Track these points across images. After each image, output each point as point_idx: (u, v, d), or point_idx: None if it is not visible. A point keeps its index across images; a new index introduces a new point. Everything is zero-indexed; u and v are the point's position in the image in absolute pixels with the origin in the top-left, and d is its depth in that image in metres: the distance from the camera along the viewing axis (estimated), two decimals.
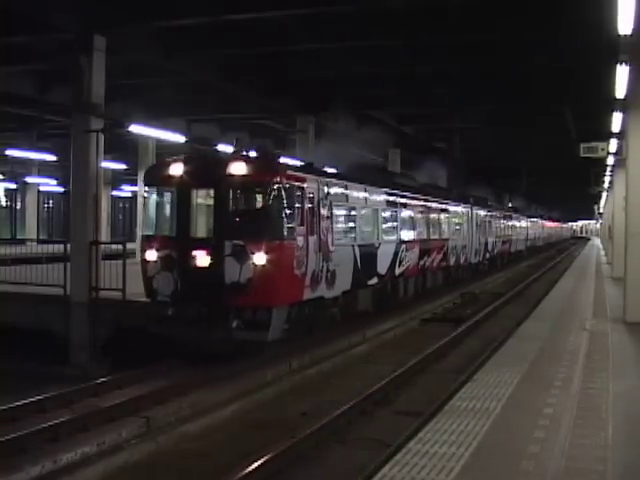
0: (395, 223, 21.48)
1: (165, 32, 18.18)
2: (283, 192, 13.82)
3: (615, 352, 13.07)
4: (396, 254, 21.01)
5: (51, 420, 10.14)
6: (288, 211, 13.96)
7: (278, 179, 13.82)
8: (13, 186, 47.15)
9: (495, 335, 18.23)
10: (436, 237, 26.22)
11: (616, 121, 20.58)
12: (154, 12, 16.28)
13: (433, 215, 26.15)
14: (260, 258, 13.28)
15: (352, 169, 20.81)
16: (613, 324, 16.53)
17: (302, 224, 14.44)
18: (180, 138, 22.32)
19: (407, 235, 22.52)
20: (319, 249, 15.22)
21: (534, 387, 10.27)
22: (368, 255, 18.51)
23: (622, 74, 14.96)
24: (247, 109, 27.40)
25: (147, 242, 14.56)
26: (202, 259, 13.68)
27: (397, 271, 21.23)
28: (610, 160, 29.46)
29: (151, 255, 14.21)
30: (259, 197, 14.30)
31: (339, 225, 17.05)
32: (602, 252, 56.60)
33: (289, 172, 14.57)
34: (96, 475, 8.72)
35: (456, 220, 30.39)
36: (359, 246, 17.94)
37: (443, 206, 27.91)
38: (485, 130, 34.19)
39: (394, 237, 21.22)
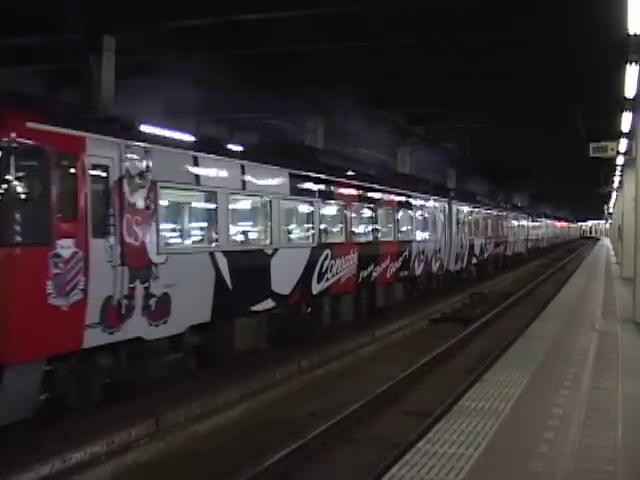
0: (310, 219, 15.77)
1: (174, 32, 18.22)
2: (23, 161, 8.45)
3: (625, 352, 13.04)
4: (312, 264, 15.44)
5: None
6: (34, 194, 8.58)
7: (11, 137, 8.37)
8: None
9: (504, 335, 18.18)
10: (390, 239, 20.51)
11: (626, 121, 20.55)
12: (163, 12, 16.33)
13: (385, 210, 20.21)
14: None
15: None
16: (623, 324, 16.49)
17: (72, 218, 9.08)
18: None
19: (334, 236, 16.97)
20: (121, 260, 9.84)
21: (543, 387, 10.25)
22: (250, 267, 13.02)
23: (632, 74, 14.94)
24: (256, 109, 27.43)
25: None
26: None
27: (316, 288, 15.66)
28: (620, 160, 29.43)
29: None
30: None
31: (177, 220, 11.97)
32: (612, 252, 56.40)
33: (40, 126, 8.86)
34: (105, 475, 8.75)
35: (425, 217, 24.31)
36: (228, 253, 12.22)
37: (402, 199, 21.82)
38: (494, 130, 34.14)
39: (308, 240, 15.72)
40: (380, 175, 22.46)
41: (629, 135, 21.90)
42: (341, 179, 17.55)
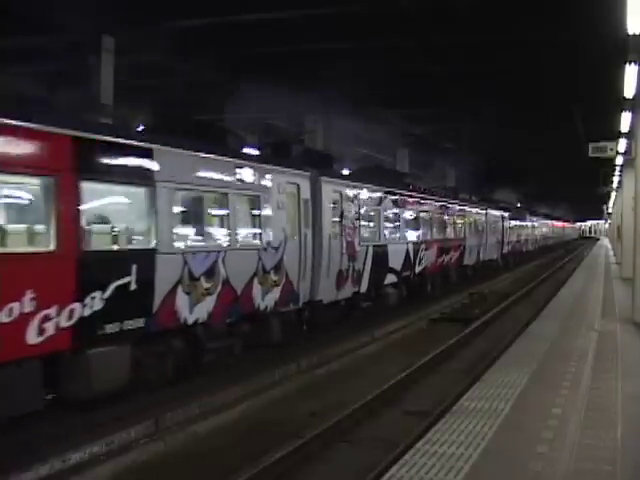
0: None
1: (174, 32, 18.22)
2: None
3: (624, 352, 13.04)
4: None
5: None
6: None
7: None
8: None
9: (504, 335, 18.17)
10: (37, 248, 9.02)
11: (625, 121, 20.55)
12: (163, 13, 16.34)
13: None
14: None
15: None
16: (622, 324, 16.49)
17: None
18: None
19: None
20: None
21: (543, 387, 10.25)
22: None
23: (631, 74, 14.96)
24: (256, 109, 27.41)
25: None
26: None
27: None
28: (619, 160, 29.44)
29: None
30: None
31: None
32: (611, 252, 56.42)
33: None
34: (104, 475, 8.74)
35: (225, 203, 12.63)
36: None
37: (107, 159, 10.19)
38: (493, 129, 34.10)
39: None
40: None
41: (628, 135, 21.89)
42: None
